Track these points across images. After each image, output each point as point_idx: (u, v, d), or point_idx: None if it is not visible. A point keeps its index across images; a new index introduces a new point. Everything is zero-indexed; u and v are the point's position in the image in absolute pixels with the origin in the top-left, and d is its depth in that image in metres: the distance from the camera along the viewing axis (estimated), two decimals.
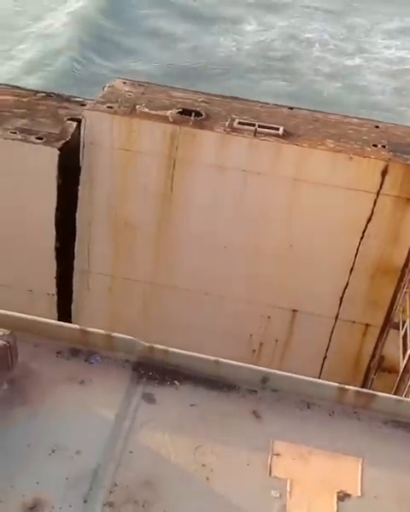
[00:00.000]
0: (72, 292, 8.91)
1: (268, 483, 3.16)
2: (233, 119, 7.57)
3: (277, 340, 9.17)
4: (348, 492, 3.16)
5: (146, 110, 7.54)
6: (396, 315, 10.40)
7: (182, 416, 3.42)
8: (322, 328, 8.98)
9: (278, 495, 3.11)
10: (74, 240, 8.41)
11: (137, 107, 7.58)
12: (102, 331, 3.65)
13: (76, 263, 8.65)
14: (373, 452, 3.38)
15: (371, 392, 3.61)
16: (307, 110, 8.38)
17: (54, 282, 8.46)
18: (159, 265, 8.80)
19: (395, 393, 8.47)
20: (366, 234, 8.21)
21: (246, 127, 7.49)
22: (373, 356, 9.28)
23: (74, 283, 8.84)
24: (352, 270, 8.57)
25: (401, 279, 13.05)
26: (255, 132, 7.46)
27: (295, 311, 8.99)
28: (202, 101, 8.01)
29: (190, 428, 3.37)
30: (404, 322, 14.00)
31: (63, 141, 7.33)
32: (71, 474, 3.09)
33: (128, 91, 7.97)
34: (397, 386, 9.86)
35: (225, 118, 7.70)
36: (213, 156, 7.72)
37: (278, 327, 9.06)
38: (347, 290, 8.73)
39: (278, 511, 3.05)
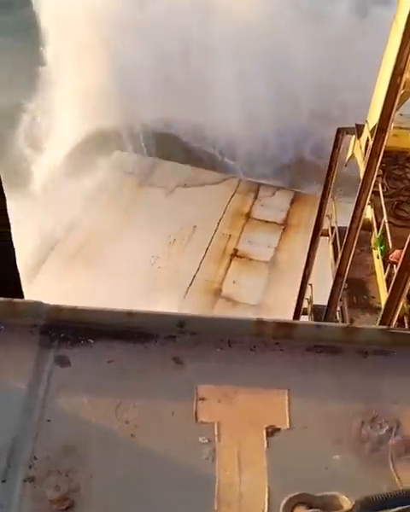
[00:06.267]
0: None
1: (195, 430, 3.08)
2: None
3: None
4: (277, 426, 3.12)
5: None
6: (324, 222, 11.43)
7: (99, 375, 3.27)
8: None
9: (206, 440, 3.04)
10: None
11: None
12: (0, 299, 3.41)
13: None
14: (298, 382, 3.34)
15: (290, 321, 3.54)
16: None
17: None
18: None
19: None
20: None
21: None
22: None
23: None
24: None
25: (325, 187, 13.70)
26: None
27: None
28: None
29: (109, 386, 3.23)
30: (332, 229, 14.46)
31: None
32: None
33: None
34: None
35: None
36: None
37: None
38: None
39: (208, 456, 2.99)
